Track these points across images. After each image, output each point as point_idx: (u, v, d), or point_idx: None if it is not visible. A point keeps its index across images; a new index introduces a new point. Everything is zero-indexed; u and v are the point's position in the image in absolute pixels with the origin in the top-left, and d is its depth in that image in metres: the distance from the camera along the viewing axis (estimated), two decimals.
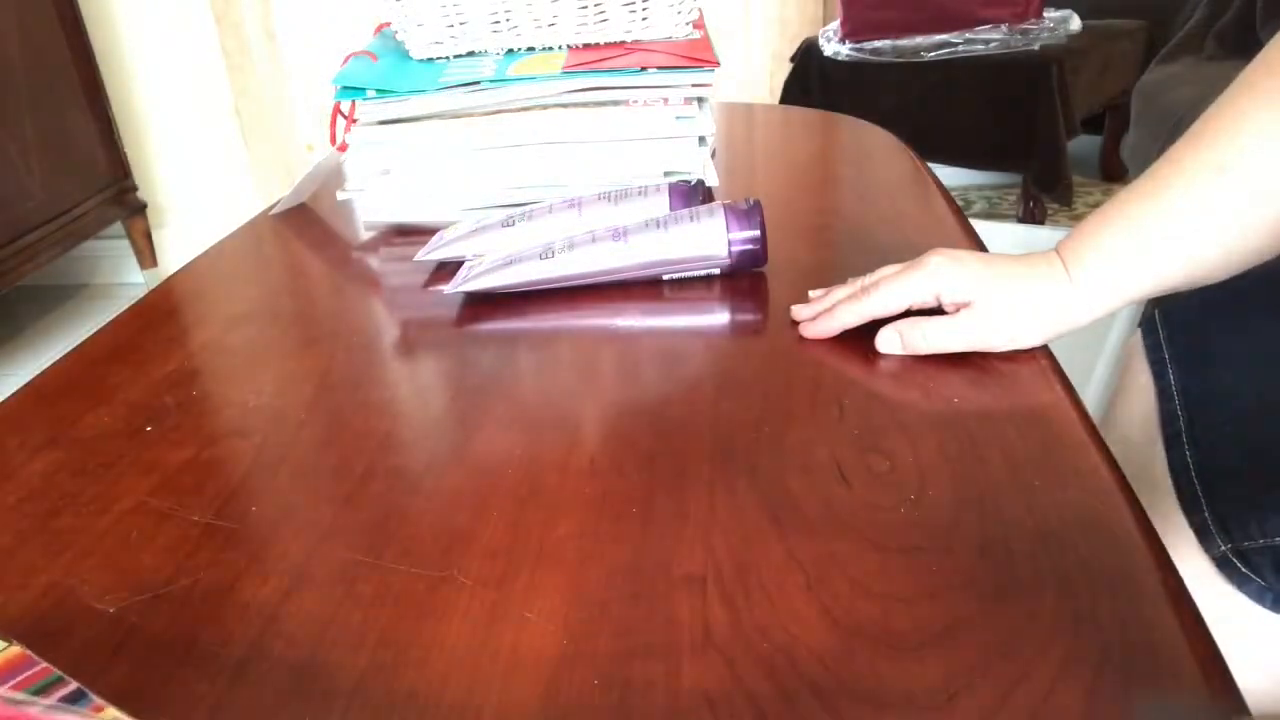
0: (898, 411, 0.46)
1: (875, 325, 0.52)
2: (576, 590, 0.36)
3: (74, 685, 0.30)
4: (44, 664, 0.31)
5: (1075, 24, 2.02)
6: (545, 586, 0.36)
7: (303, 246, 0.77)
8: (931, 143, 1.84)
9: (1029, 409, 0.46)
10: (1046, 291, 0.50)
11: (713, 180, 0.75)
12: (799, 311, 0.56)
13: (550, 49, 0.76)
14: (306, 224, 0.81)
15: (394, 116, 0.72)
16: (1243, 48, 1.55)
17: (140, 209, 2.23)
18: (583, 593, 0.36)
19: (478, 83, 0.70)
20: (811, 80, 2.18)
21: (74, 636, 0.36)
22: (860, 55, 2.08)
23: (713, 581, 0.36)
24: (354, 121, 0.73)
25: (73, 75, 2.03)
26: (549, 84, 0.70)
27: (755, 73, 2.33)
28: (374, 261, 0.72)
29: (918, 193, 0.78)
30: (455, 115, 0.72)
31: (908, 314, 0.52)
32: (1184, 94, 1.48)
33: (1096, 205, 0.51)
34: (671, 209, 0.64)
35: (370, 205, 0.76)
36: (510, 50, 0.76)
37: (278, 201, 0.84)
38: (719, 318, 0.59)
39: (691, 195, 0.65)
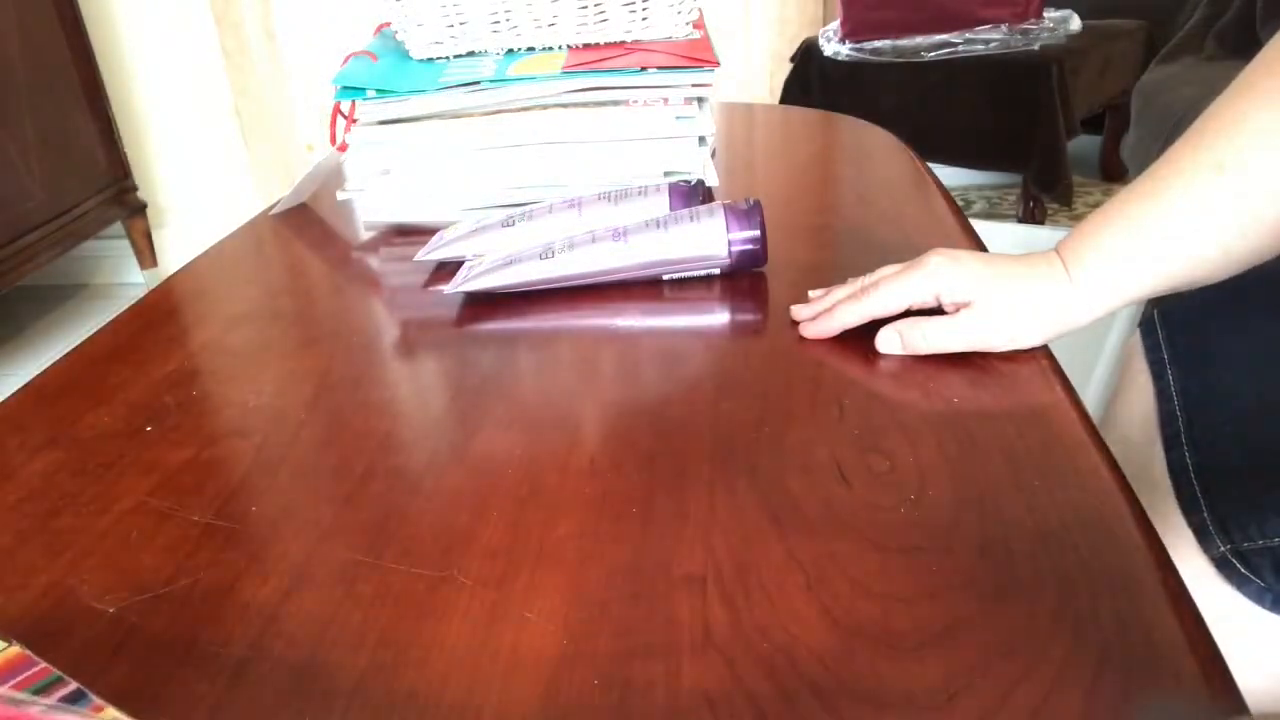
0: (898, 411, 0.46)
1: (875, 325, 0.52)
2: (576, 590, 0.36)
3: (74, 685, 0.30)
4: (44, 664, 0.31)
5: (1075, 24, 2.02)
6: (545, 586, 0.36)
7: (303, 246, 0.77)
8: (931, 143, 1.83)
9: (1029, 409, 0.46)
10: (1046, 291, 0.50)
11: (713, 180, 0.75)
12: (799, 311, 0.56)
13: (550, 49, 0.76)
14: (306, 224, 0.81)
15: (394, 116, 0.72)
16: (1243, 48, 1.55)
17: (140, 209, 2.23)
18: (583, 593, 0.36)
19: (478, 83, 0.70)
20: (811, 80, 2.18)
21: (74, 636, 0.36)
22: (860, 55, 2.08)
23: (713, 581, 0.36)
24: (354, 121, 0.73)
25: (73, 75, 2.03)
26: (549, 84, 0.70)
27: (755, 73, 2.33)
28: (374, 261, 0.72)
29: (918, 193, 0.78)
30: (455, 115, 0.72)
31: (908, 314, 0.52)
32: (1184, 94, 1.48)
33: (1096, 205, 0.51)
34: (671, 209, 0.64)
35: (370, 205, 0.76)
36: (510, 50, 0.76)
37: (278, 201, 0.84)
38: (719, 318, 0.59)
39: (691, 195, 0.65)
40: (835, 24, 2.15)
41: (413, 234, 0.74)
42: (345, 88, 0.71)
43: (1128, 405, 0.61)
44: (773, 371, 0.51)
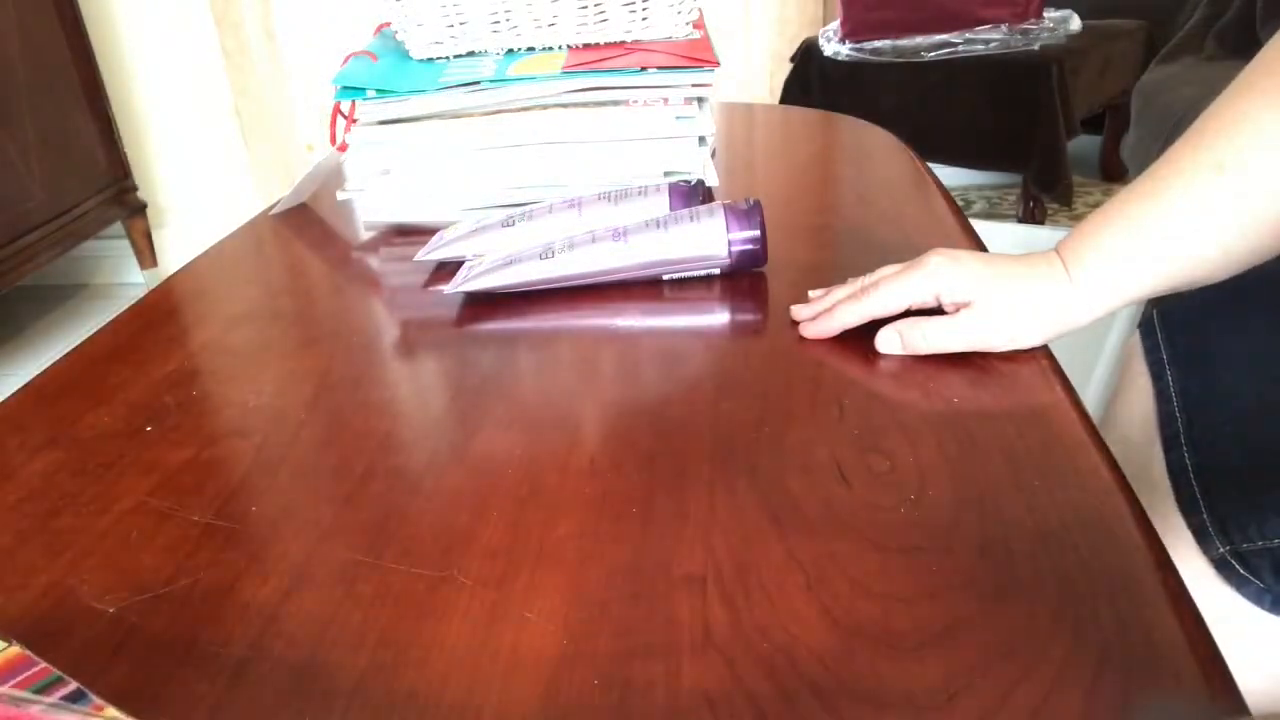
0: (898, 411, 0.46)
1: (875, 325, 0.52)
2: (576, 590, 0.36)
3: (74, 685, 0.30)
4: (44, 664, 0.31)
5: (1075, 24, 2.02)
6: (545, 586, 0.36)
7: (303, 246, 0.77)
8: (931, 143, 1.84)
9: (1029, 409, 0.46)
10: (1046, 291, 0.50)
11: (713, 180, 0.75)
12: (799, 311, 0.56)
13: (550, 49, 0.76)
14: (306, 224, 0.81)
15: (394, 116, 0.72)
16: (1243, 48, 1.55)
17: (140, 209, 2.23)
18: (583, 593, 0.36)
19: (478, 83, 0.70)
20: (811, 80, 2.18)
21: (74, 636, 0.36)
22: (860, 55, 2.08)
23: (713, 581, 0.36)
24: (354, 121, 0.73)
25: (73, 75, 2.03)
26: (549, 84, 0.70)
27: (755, 73, 2.33)
28: (374, 261, 0.72)
29: (918, 193, 0.78)
30: (455, 115, 0.72)
31: (908, 314, 0.52)
32: (1184, 94, 1.48)
33: (1096, 205, 0.51)
34: (671, 209, 0.64)
35: (370, 205, 0.76)
36: (510, 50, 0.76)
37: (278, 201, 0.84)
38: (719, 318, 0.59)
39: (691, 195, 0.65)
40: (835, 24, 2.15)
41: (413, 234, 0.74)
42: (345, 88, 0.71)
43: (1127, 405, 0.61)
44: (773, 371, 0.51)
